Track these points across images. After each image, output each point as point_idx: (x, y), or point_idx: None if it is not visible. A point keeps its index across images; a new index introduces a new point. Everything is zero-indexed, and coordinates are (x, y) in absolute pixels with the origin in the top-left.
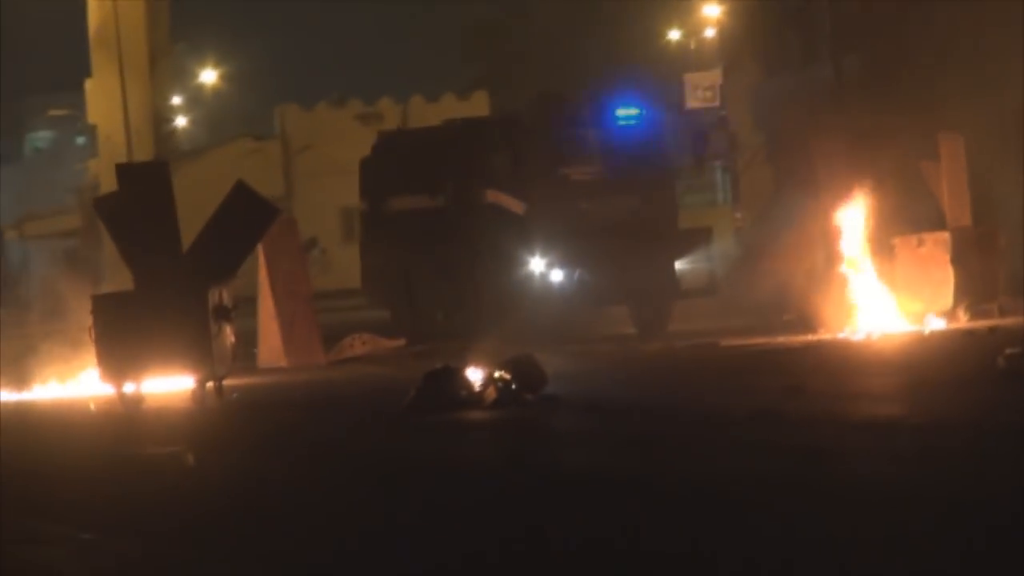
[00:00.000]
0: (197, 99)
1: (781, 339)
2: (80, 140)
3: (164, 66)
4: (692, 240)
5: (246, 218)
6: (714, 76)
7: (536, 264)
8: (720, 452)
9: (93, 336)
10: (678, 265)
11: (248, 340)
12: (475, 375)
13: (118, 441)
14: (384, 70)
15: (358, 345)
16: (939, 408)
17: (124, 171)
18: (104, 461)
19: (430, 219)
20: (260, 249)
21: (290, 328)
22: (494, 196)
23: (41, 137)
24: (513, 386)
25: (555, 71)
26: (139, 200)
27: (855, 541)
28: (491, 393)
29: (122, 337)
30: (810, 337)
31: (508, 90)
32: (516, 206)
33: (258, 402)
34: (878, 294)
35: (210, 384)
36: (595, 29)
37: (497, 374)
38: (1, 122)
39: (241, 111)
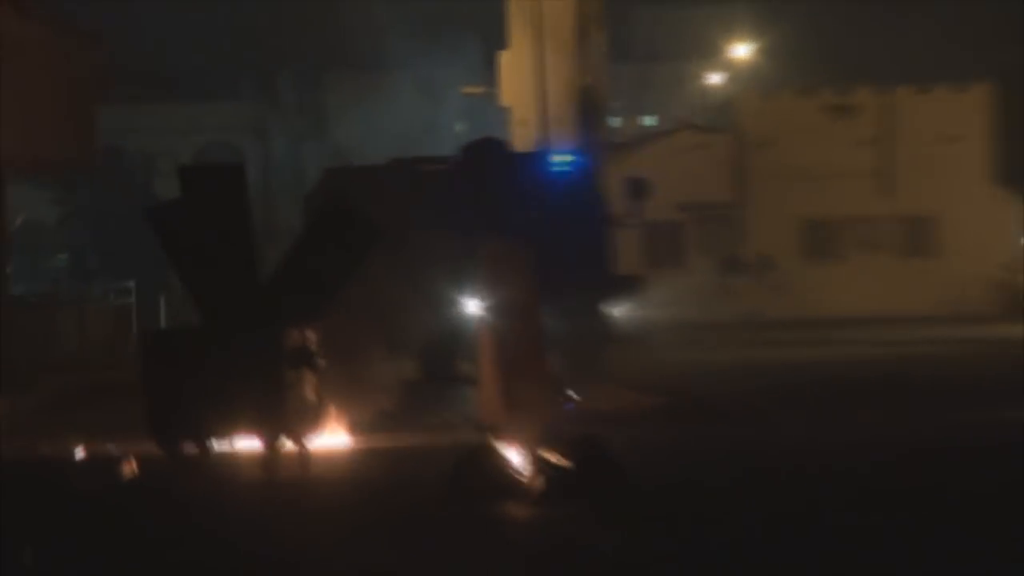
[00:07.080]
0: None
1: None
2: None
3: (597, 40)
4: (622, 286)
5: (342, 241)
6: None
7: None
8: None
9: (144, 384)
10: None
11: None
12: (518, 457)
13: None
14: (868, 56)
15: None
16: None
17: (189, 174)
18: None
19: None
20: (485, 278)
21: (512, 377)
22: (432, 236)
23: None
24: (572, 477)
25: None
26: (206, 214)
27: None
28: (539, 483)
29: (180, 387)
30: None
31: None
32: (453, 246)
33: (343, 478)
34: None
35: (288, 448)
36: None
37: (553, 458)
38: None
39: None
